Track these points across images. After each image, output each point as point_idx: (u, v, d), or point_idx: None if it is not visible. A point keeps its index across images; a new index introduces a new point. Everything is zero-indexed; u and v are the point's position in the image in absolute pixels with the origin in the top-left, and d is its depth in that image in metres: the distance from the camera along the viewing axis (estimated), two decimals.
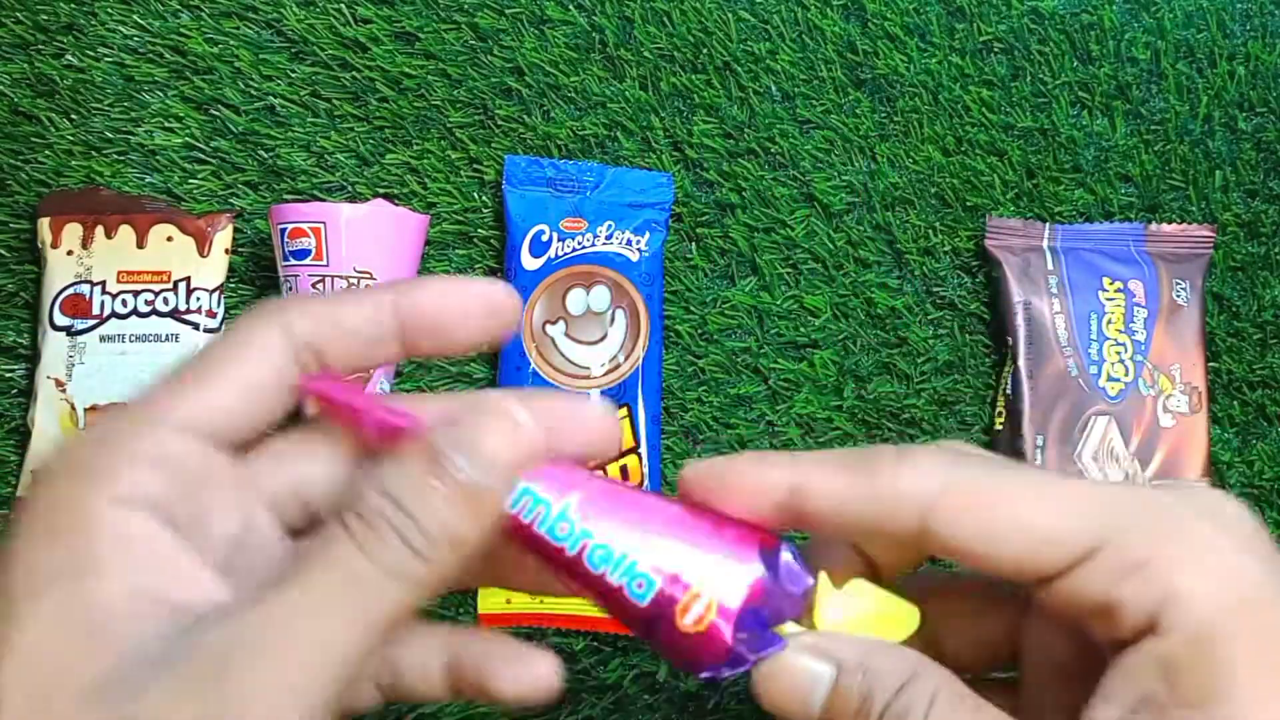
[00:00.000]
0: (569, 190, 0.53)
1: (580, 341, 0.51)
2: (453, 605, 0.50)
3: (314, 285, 0.49)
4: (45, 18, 0.53)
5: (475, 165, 0.54)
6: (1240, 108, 0.55)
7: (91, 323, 0.50)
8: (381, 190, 0.53)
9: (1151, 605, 0.23)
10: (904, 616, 0.27)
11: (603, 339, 0.51)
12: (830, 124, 0.55)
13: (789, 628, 0.26)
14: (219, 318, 0.51)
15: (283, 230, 0.49)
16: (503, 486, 0.24)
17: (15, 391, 0.52)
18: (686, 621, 0.25)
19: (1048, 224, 0.53)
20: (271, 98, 0.53)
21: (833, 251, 0.54)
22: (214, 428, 0.24)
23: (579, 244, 0.51)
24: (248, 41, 0.54)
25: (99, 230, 0.51)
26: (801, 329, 0.53)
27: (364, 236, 0.49)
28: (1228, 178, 0.54)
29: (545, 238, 0.51)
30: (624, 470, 0.50)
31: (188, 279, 0.51)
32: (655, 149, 0.54)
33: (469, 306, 0.26)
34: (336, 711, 0.23)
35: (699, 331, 0.53)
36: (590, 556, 0.25)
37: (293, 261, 0.49)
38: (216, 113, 0.53)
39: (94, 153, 0.53)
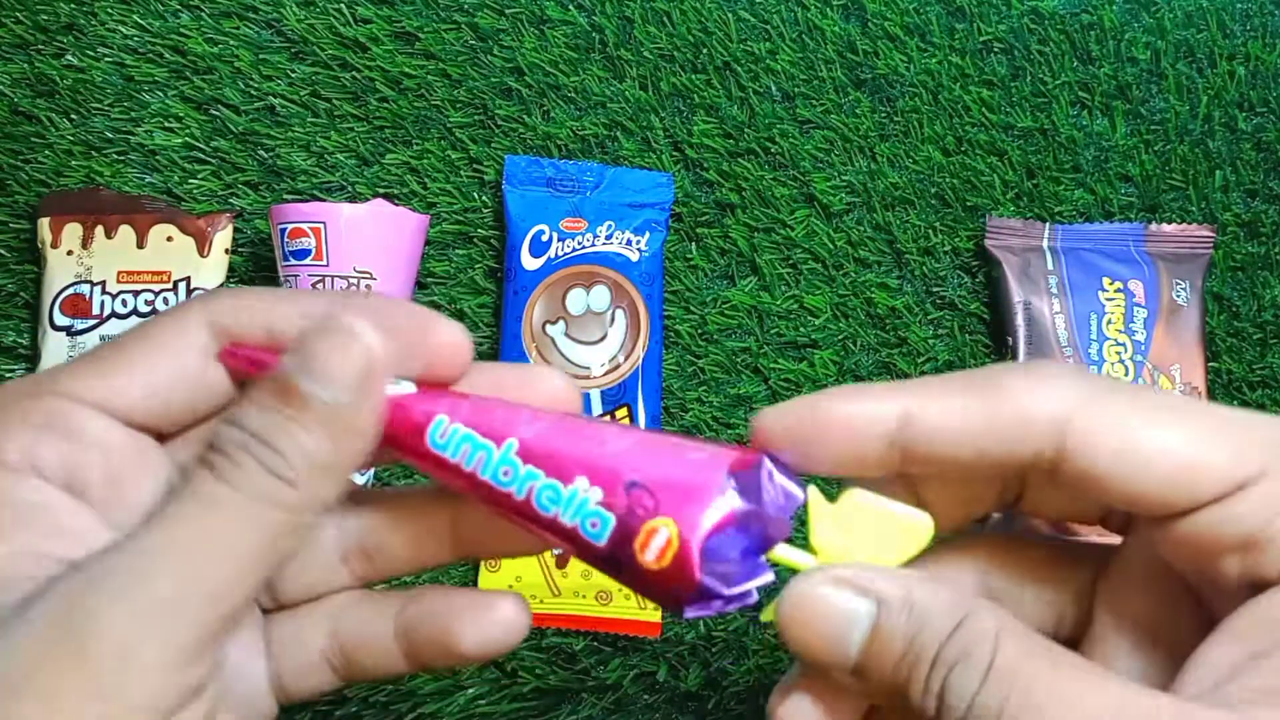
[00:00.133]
0: (569, 190, 0.53)
1: (580, 341, 0.51)
2: None
3: (314, 285, 0.49)
4: (45, 18, 0.53)
5: (475, 165, 0.54)
6: (1240, 108, 0.55)
7: (91, 323, 0.50)
8: (381, 190, 0.53)
9: None
10: (915, 529, 0.23)
11: (603, 339, 0.51)
12: (830, 124, 0.55)
13: (780, 551, 0.24)
14: None
15: (283, 230, 0.49)
16: (354, 401, 0.23)
17: None
18: (648, 558, 0.23)
19: (1048, 224, 0.53)
20: (271, 98, 0.53)
21: (833, 251, 0.54)
22: (125, 406, 0.24)
23: (579, 244, 0.51)
24: (248, 41, 0.54)
25: (99, 230, 0.51)
26: (801, 329, 0.53)
27: (364, 236, 0.49)
28: (1228, 178, 0.54)
29: (545, 238, 0.51)
30: None
31: (188, 279, 0.51)
32: (655, 149, 0.54)
33: (401, 333, 0.25)
34: (212, 648, 0.22)
35: (699, 331, 0.53)
36: (539, 499, 0.24)
37: (293, 261, 0.49)
38: (216, 113, 0.53)
39: (94, 153, 0.53)
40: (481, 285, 0.53)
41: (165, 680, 0.21)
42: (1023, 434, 0.22)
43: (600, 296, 0.51)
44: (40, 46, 0.53)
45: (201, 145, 0.53)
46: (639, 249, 0.52)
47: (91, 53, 0.53)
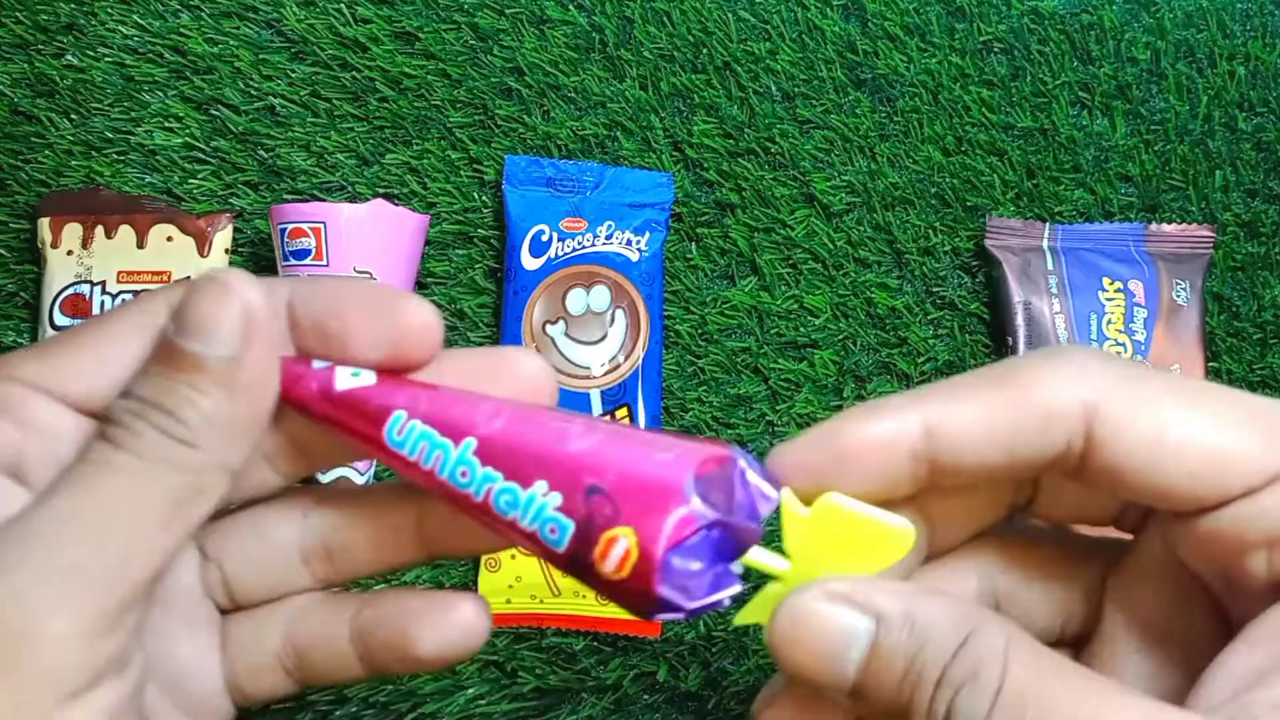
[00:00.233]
0: (569, 190, 0.53)
1: (580, 341, 0.51)
2: None
3: None
4: (45, 18, 0.53)
5: (475, 165, 0.54)
6: (1240, 108, 0.55)
7: None
8: (381, 190, 0.53)
9: None
10: (895, 536, 0.22)
11: (603, 339, 0.51)
12: (830, 124, 0.55)
13: (753, 555, 0.23)
14: None
15: (283, 230, 0.49)
16: (238, 355, 0.22)
17: None
18: (607, 568, 0.22)
19: (1048, 224, 0.53)
20: (271, 98, 0.53)
21: (833, 251, 0.54)
22: (75, 392, 0.23)
23: (579, 244, 0.51)
24: (248, 41, 0.54)
25: (99, 230, 0.51)
26: (801, 329, 0.53)
27: (364, 236, 0.49)
28: (1228, 178, 0.54)
29: (545, 238, 0.51)
30: None
31: (188, 279, 0.51)
32: (655, 149, 0.54)
33: (365, 312, 0.24)
34: (126, 621, 0.22)
35: (699, 331, 0.53)
36: (497, 501, 0.23)
37: (293, 261, 0.49)
38: (216, 113, 0.53)
39: (94, 153, 0.53)
40: (481, 285, 0.53)
41: (74, 653, 0.20)
42: (1050, 427, 0.21)
43: (600, 296, 0.51)
44: (40, 46, 0.53)
45: (201, 145, 0.53)
46: (639, 249, 0.52)
47: (91, 53, 0.53)
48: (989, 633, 0.20)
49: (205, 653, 0.26)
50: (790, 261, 0.54)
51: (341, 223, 0.48)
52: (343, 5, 0.54)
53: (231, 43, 0.53)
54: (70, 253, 0.51)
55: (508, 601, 0.49)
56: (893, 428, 0.22)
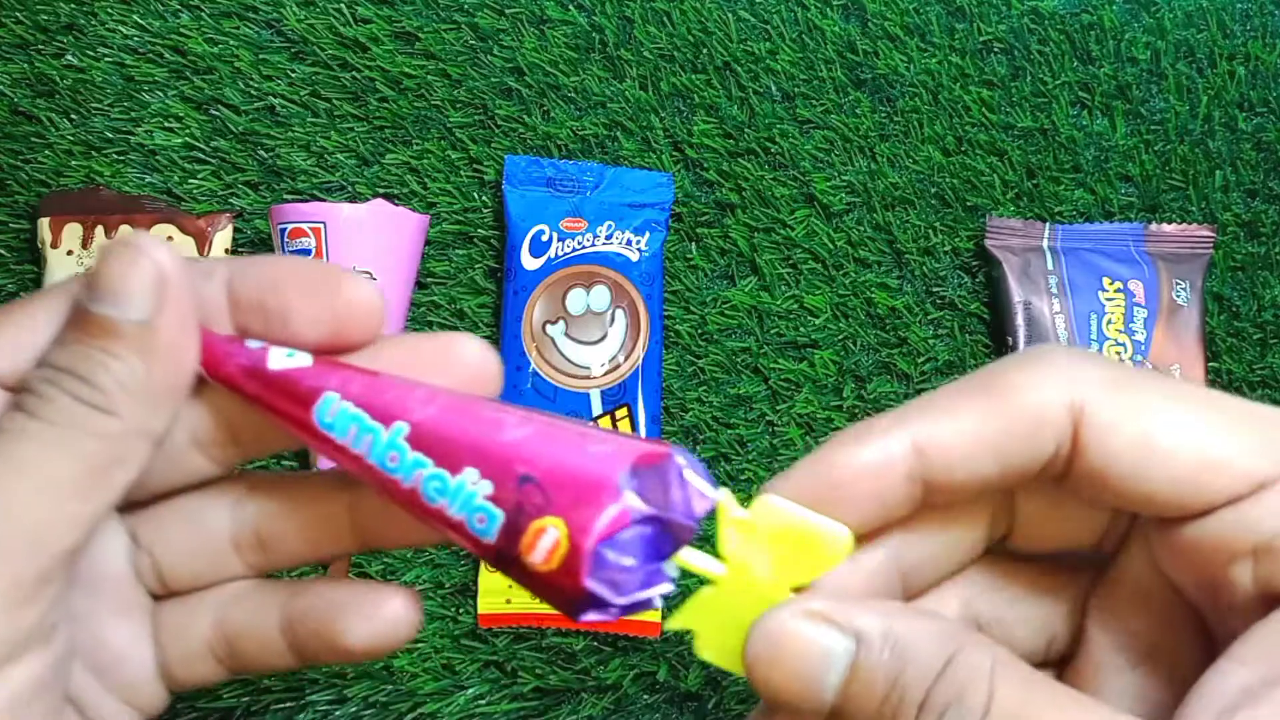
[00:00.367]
0: (569, 190, 0.53)
1: (580, 341, 0.51)
2: (451, 605, 0.50)
3: None
4: (45, 18, 0.53)
5: (475, 165, 0.54)
6: (1240, 108, 0.55)
7: None
8: (381, 190, 0.53)
9: None
10: (833, 541, 0.21)
11: (603, 339, 0.51)
12: (830, 124, 0.55)
13: (686, 556, 0.22)
14: None
15: (283, 230, 0.49)
16: (151, 318, 0.22)
17: None
18: (535, 559, 0.21)
19: (1048, 224, 0.53)
20: (271, 98, 0.53)
21: (833, 251, 0.54)
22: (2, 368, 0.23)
23: (579, 244, 0.52)
24: (248, 41, 0.54)
25: (99, 230, 0.51)
26: (801, 329, 0.53)
27: (364, 236, 0.49)
28: (1228, 178, 0.54)
29: (545, 238, 0.51)
30: None
31: None
32: (655, 149, 0.54)
33: (305, 288, 0.23)
34: (45, 592, 0.21)
35: (699, 331, 0.53)
36: (426, 489, 0.22)
37: None
38: (216, 113, 0.53)
39: (94, 153, 0.53)
40: (481, 285, 0.53)
41: None
42: (1039, 433, 0.20)
43: (600, 296, 0.51)
44: (40, 46, 0.53)
45: (201, 145, 0.53)
46: (639, 249, 0.52)
47: (91, 53, 0.53)
48: (973, 654, 0.19)
49: (137, 638, 0.26)
50: (790, 261, 0.54)
51: (341, 223, 0.48)
52: (343, 5, 0.54)
53: (231, 43, 0.53)
54: (70, 253, 0.51)
55: (508, 601, 0.49)
56: (884, 451, 0.21)
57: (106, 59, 0.53)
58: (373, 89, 0.54)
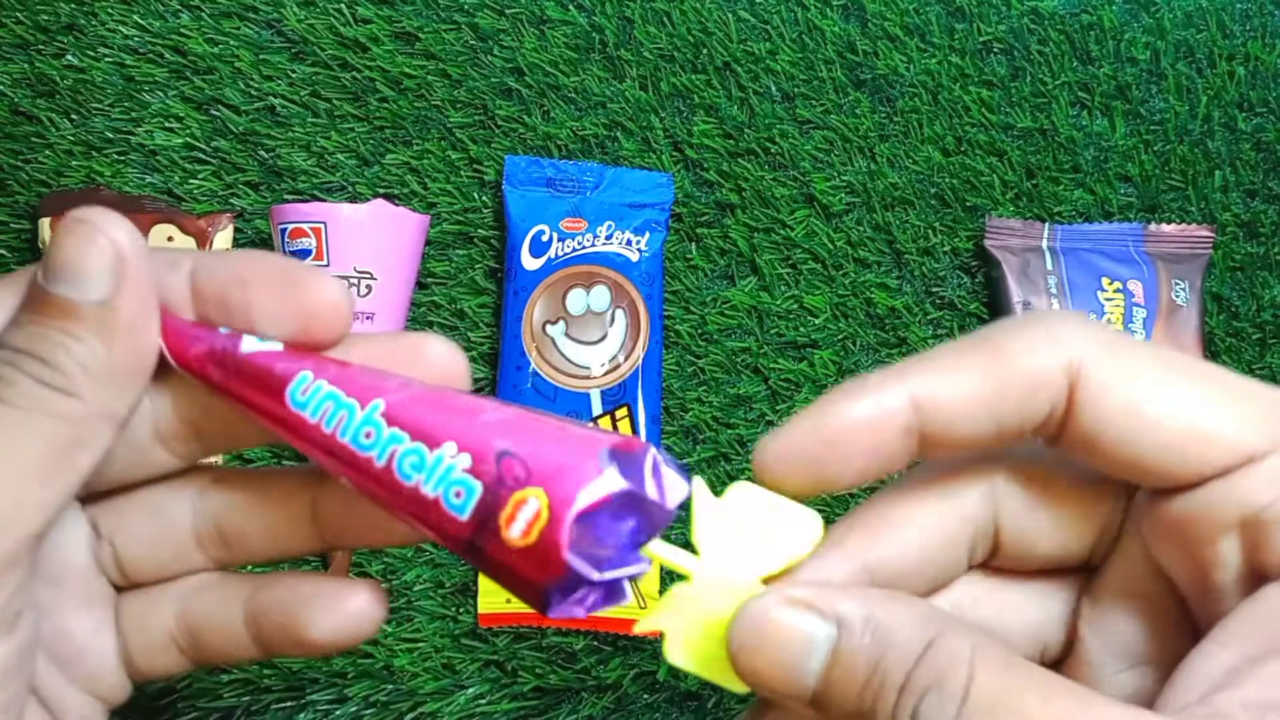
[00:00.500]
0: (569, 190, 0.53)
1: (580, 341, 0.51)
2: (451, 605, 0.50)
3: None
4: (45, 18, 0.53)
5: (475, 165, 0.54)
6: (1240, 108, 0.55)
7: None
8: (381, 190, 0.53)
9: None
10: (804, 528, 0.22)
11: (603, 339, 0.51)
12: (830, 124, 0.55)
13: (656, 548, 0.22)
14: None
15: (283, 230, 0.49)
16: (110, 298, 0.22)
17: None
18: (513, 533, 0.21)
19: (1047, 224, 0.53)
20: (271, 98, 0.53)
21: (833, 251, 0.54)
22: None
23: (579, 244, 0.52)
24: (248, 41, 0.54)
25: None
26: (801, 329, 0.53)
27: (364, 236, 0.49)
28: (1227, 178, 0.54)
29: (545, 238, 0.52)
30: None
31: None
32: (655, 149, 0.54)
33: (270, 284, 0.23)
34: (10, 577, 0.21)
35: (699, 331, 0.53)
36: (400, 465, 0.22)
37: None
38: (216, 113, 0.53)
39: (94, 153, 0.53)
40: (481, 285, 0.53)
41: None
42: (1035, 394, 0.21)
43: (600, 296, 0.51)
44: (40, 46, 0.53)
45: (202, 145, 0.53)
46: (639, 249, 0.52)
47: (91, 53, 0.53)
48: (954, 638, 0.19)
49: (99, 629, 0.26)
50: (790, 261, 0.54)
51: (341, 223, 0.48)
52: (343, 5, 0.54)
53: (231, 43, 0.53)
54: None
55: (508, 601, 0.49)
56: (881, 406, 0.21)
57: (106, 59, 0.53)
58: (373, 89, 0.54)
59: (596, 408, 0.50)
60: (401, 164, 0.53)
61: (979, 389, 0.21)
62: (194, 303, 0.24)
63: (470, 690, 0.49)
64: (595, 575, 0.21)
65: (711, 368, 0.53)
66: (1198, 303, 0.52)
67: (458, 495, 0.21)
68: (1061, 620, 0.24)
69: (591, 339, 0.51)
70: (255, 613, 0.25)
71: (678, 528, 0.50)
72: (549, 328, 0.51)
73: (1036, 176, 0.54)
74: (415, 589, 0.50)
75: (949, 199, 0.54)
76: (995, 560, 0.24)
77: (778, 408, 0.53)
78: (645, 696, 0.50)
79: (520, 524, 0.21)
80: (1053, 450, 0.23)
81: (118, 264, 0.22)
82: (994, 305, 0.53)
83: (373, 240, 0.49)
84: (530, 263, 0.51)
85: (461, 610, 0.50)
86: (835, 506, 0.51)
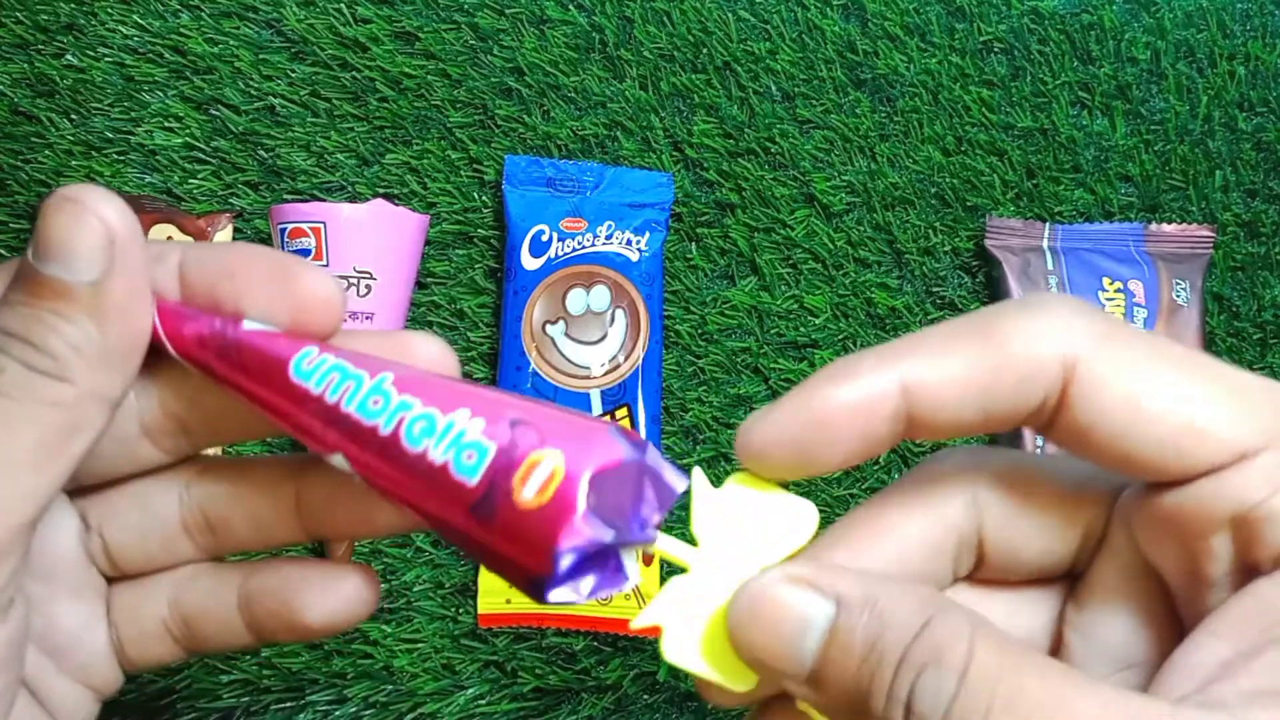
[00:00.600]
0: (569, 190, 0.53)
1: (580, 341, 0.51)
2: (451, 605, 0.50)
3: None
4: (45, 18, 0.53)
5: (475, 165, 0.54)
6: (1240, 108, 0.55)
7: None
8: (381, 190, 0.53)
9: None
10: (800, 517, 0.22)
11: (603, 339, 0.51)
12: (830, 124, 0.55)
13: (661, 544, 0.22)
14: None
15: (283, 230, 0.49)
16: (102, 278, 0.21)
17: None
18: (527, 493, 0.21)
19: (1048, 224, 0.53)
20: (271, 98, 0.53)
21: (833, 251, 0.54)
22: None
23: (579, 244, 0.51)
24: (248, 41, 0.54)
25: None
26: (801, 329, 0.53)
27: (364, 236, 0.49)
28: (1228, 178, 0.54)
29: (545, 238, 0.51)
30: None
31: None
32: (655, 149, 0.54)
33: (261, 276, 0.23)
34: (6, 563, 0.21)
35: (699, 331, 0.53)
36: (409, 431, 0.21)
37: None
38: (216, 113, 0.53)
39: (94, 153, 0.53)
40: (481, 285, 0.53)
41: None
42: (1028, 384, 0.20)
43: (600, 296, 0.51)
44: (40, 46, 0.53)
45: (201, 145, 0.53)
46: (639, 249, 0.52)
47: (91, 53, 0.53)
48: (952, 617, 0.19)
49: (90, 620, 0.26)
50: (790, 261, 0.54)
51: (341, 223, 0.48)
52: (343, 5, 0.54)
53: (231, 43, 0.53)
54: None
55: (508, 601, 0.49)
56: (870, 390, 0.21)
57: (106, 59, 0.53)
58: (373, 89, 0.54)
59: (596, 408, 0.50)
60: (401, 164, 0.53)
61: (971, 376, 0.20)
62: (182, 296, 0.24)
63: (470, 691, 0.49)
64: (607, 538, 0.20)
65: (711, 368, 0.53)
66: (1199, 303, 0.52)
67: (469, 458, 0.21)
68: (1047, 628, 0.24)
69: (591, 339, 0.51)
70: (248, 599, 0.25)
71: (676, 526, 0.50)
72: (549, 328, 0.51)
73: (1037, 176, 0.54)
74: (415, 589, 0.50)
75: (949, 199, 0.54)
76: (980, 572, 0.24)
77: None
78: (645, 697, 0.50)
79: (534, 484, 0.21)
80: (1033, 458, 0.23)
81: (109, 244, 0.21)
82: None
83: (372, 240, 0.49)
84: (530, 262, 0.51)
85: (461, 611, 0.50)
86: (833, 506, 0.51)
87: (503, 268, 0.52)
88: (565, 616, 0.49)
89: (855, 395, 0.21)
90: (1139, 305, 0.52)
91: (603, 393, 0.50)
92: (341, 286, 0.24)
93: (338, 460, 0.23)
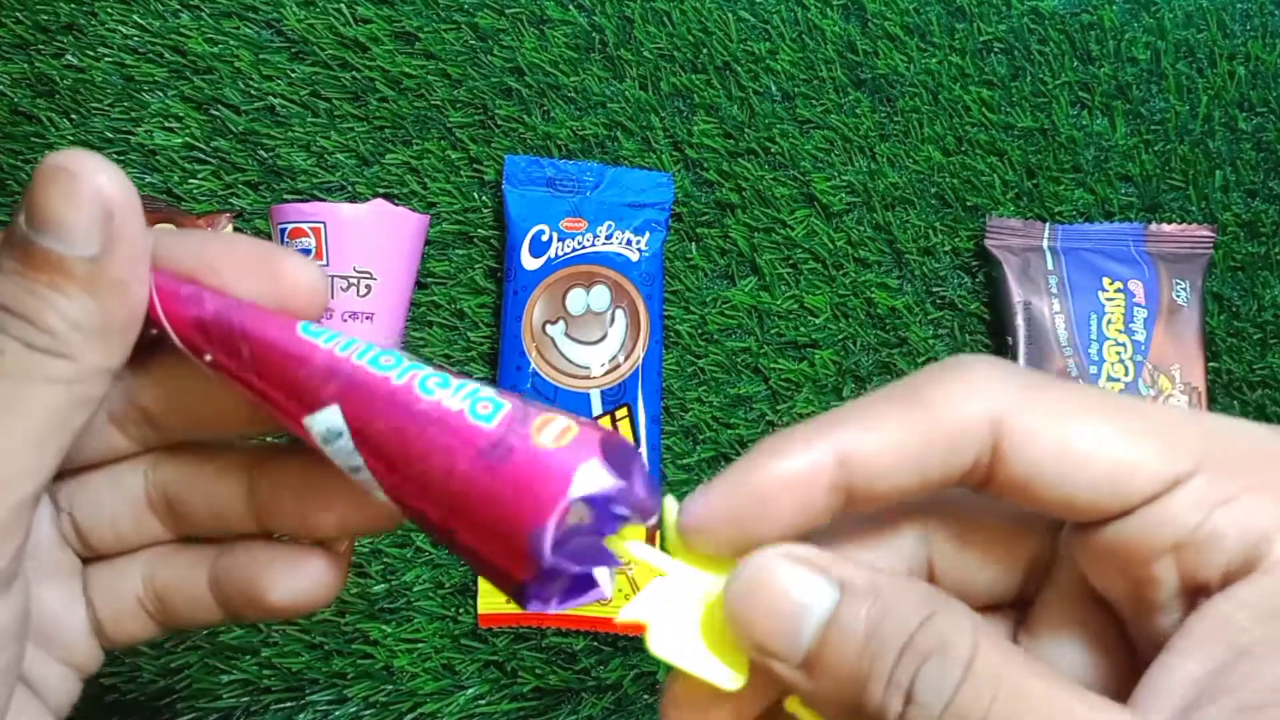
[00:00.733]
0: (569, 190, 0.53)
1: (580, 341, 0.51)
2: (451, 605, 0.50)
3: None
4: (45, 18, 0.53)
5: (475, 165, 0.54)
6: (1240, 108, 0.55)
7: None
8: (381, 190, 0.53)
9: (1253, 539, 0.19)
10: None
11: (603, 339, 0.51)
12: (830, 124, 0.55)
13: (639, 552, 0.22)
14: None
15: (283, 230, 0.49)
16: (100, 252, 0.21)
17: None
18: (545, 437, 0.21)
19: (1048, 224, 0.53)
20: (271, 98, 0.53)
21: (833, 251, 0.54)
22: None
23: (579, 244, 0.51)
24: (248, 41, 0.54)
25: None
26: (801, 329, 0.53)
27: (364, 236, 0.49)
28: (1228, 178, 0.54)
29: (545, 238, 0.51)
30: None
31: None
32: (655, 149, 0.54)
33: (243, 267, 0.23)
34: (7, 542, 0.21)
35: (699, 331, 0.53)
36: (422, 384, 0.22)
37: None
38: (216, 113, 0.53)
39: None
40: (481, 285, 0.53)
41: None
42: (960, 445, 0.21)
43: (600, 296, 0.51)
44: (40, 46, 0.53)
45: (201, 145, 0.53)
46: (639, 249, 0.52)
47: (91, 53, 0.53)
48: (956, 612, 0.19)
49: (69, 600, 0.26)
50: (790, 261, 0.54)
51: (341, 223, 0.48)
52: (343, 5, 0.54)
53: (231, 43, 0.53)
54: None
55: (508, 601, 0.49)
56: (807, 463, 0.21)
57: (106, 59, 0.53)
58: (373, 89, 0.54)
59: (596, 408, 0.50)
60: (401, 164, 0.53)
61: (903, 442, 0.21)
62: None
63: (470, 691, 0.49)
64: (614, 486, 0.21)
65: (711, 368, 0.53)
66: (1199, 302, 0.52)
67: (484, 408, 0.21)
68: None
69: (591, 339, 0.51)
70: (218, 577, 0.25)
71: None
72: (549, 328, 0.51)
73: (1037, 176, 0.54)
74: (415, 589, 0.50)
75: (949, 199, 0.54)
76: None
77: (778, 408, 0.53)
78: (645, 697, 0.50)
79: (551, 432, 0.21)
80: (977, 494, 0.23)
81: (107, 217, 0.21)
82: (994, 305, 0.53)
83: (372, 240, 0.49)
84: (530, 262, 0.51)
85: (461, 611, 0.50)
86: None
87: (503, 268, 0.52)
88: (566, 617, 0.49)
89: (791, 468, 0.21)
90: (1139, 305, 0.52)
91: (603, 393, 0.50)
92: (324, 272, 0.24)
93: (323, 419, 0.22)
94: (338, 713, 0.49)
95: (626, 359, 0.51)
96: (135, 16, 0.53)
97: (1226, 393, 0.53)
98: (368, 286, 0.49)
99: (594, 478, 0.21)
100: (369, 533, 0.25)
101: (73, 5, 0.53)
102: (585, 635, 0.50)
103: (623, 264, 0.51)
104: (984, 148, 0.55)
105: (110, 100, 0.53)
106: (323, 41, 0.54)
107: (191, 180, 0.53)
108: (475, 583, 0.50)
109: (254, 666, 0.49)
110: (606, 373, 0.50)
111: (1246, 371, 0.53)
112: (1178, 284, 0.52)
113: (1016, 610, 0.24)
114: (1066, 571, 0.23)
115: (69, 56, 0.53)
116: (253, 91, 0.53)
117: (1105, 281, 0.52)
